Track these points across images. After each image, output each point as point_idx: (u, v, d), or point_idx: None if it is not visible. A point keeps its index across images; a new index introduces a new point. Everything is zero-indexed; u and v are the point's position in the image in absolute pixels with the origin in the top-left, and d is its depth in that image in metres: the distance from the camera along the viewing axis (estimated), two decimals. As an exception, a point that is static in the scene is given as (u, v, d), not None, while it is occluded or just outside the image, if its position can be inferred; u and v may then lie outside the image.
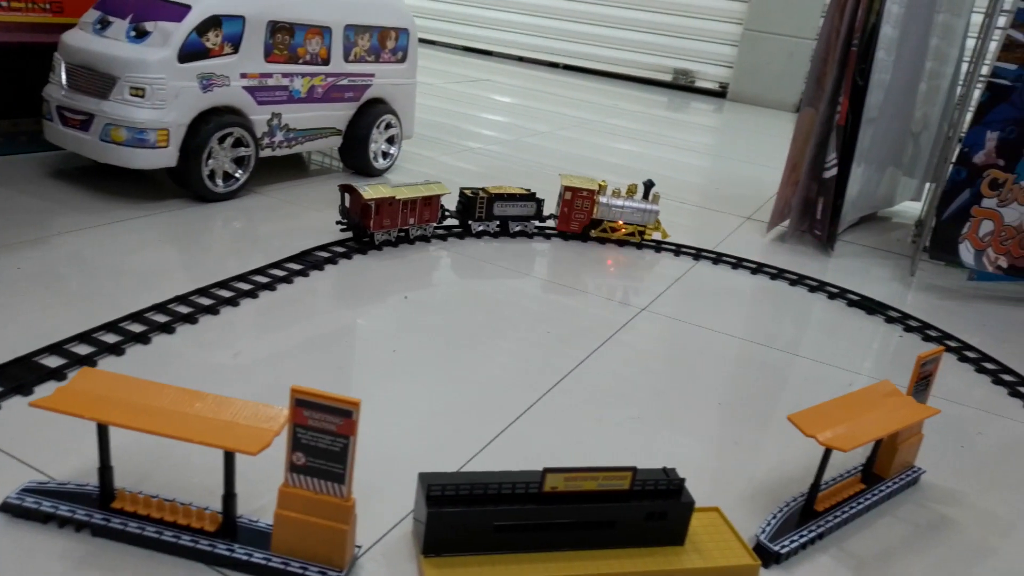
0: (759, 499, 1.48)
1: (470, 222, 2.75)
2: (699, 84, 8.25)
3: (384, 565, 1.20)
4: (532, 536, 1.22)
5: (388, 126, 3.29)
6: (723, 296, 2.58)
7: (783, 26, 7.52)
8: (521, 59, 8.98)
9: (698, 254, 2.90)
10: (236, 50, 2.63)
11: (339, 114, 3.08)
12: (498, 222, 2.79)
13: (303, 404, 1.07)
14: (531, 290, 2.38)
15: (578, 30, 8.65)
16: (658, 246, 2.90)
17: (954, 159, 2.80)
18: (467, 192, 2.74)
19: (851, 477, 1.53)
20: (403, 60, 3.29)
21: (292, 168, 3.30)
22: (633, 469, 1.24)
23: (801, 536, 1.35)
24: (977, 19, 3.22)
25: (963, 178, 2.78)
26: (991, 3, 2.82)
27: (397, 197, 2.50)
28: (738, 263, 2.85)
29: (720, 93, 8.15)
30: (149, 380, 1.18)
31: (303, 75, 2.88)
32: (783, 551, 1.31)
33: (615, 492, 1.25)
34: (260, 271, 2.16)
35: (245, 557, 1.13)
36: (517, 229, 2.81)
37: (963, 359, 2.29)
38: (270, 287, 2.09)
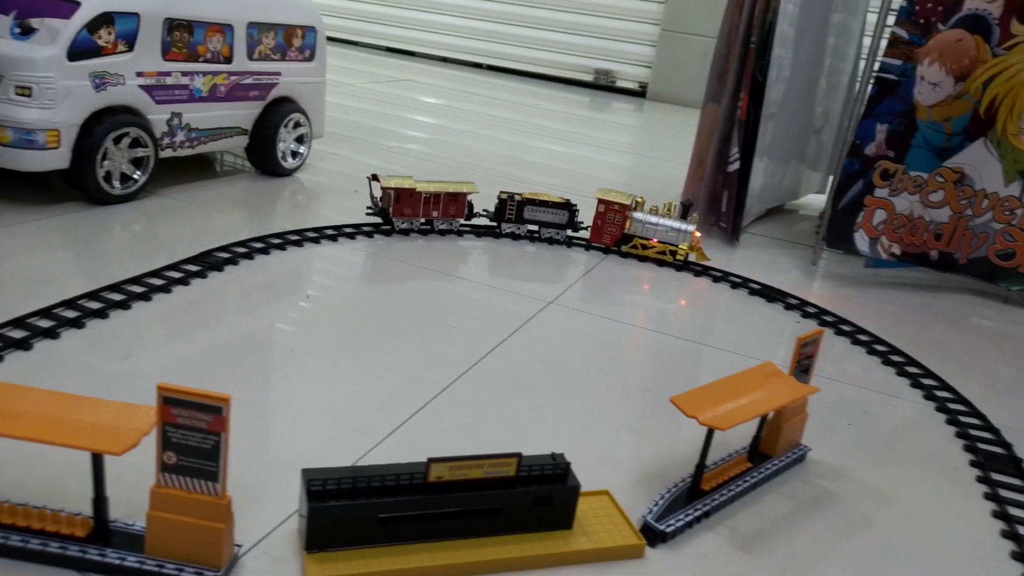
0: (650, 481, 1.51)
1: (501, 223, 2.86)
2: (620, 84, 8.38)
3: (267, 563, 1.18)
4: (418, 527, 1.22)
5: (297, 125, 3.24)
6: (630, 288, 2.62)
7: (698, 26, 7.69)
8: (444, 60, 8.97)
9: (607, 249, 2.95)
10: (131, 48, 2.55)
11: (244, 113, 3.02)
12: (528, 226, 2.87)
13: (171, 402, 1.05)
14: (439, 286, 2.38)
15: (501, 31, 8.69)
16: (569, 241, 2.94)
17: (846, 151, 2.92)
18: (503, 194, 2.84)
19: (738, 456, 1.58)
20: (311, 58, 3.25)
21: (198, 169, 3.22)
22: (518, 455, 1.26)
23: (687, 515, 1.39)
24: (873, 18, 3.37)
25: (856, 169, 2.90)
26: (883, 3, 2.94)
27: (417, 189, 2.71)
28: (644, 257, 2.91)
29: (640, 93, 8.30)
30: (10, 383, 1.14)
31: (204, 74, 2.81)
32: (668, 530, 1.34)
33: (501, 479, 1.26)
34: (155, 273, 2.10)
35: (118, 561, 1.10)
36: (547, 236, 2.87)
37: (856, 342, 2.39)
38: (165, 289, 2.04)
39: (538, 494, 1.27)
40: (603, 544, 1.29)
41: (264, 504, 1.30)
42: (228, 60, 2.89)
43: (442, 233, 2.84)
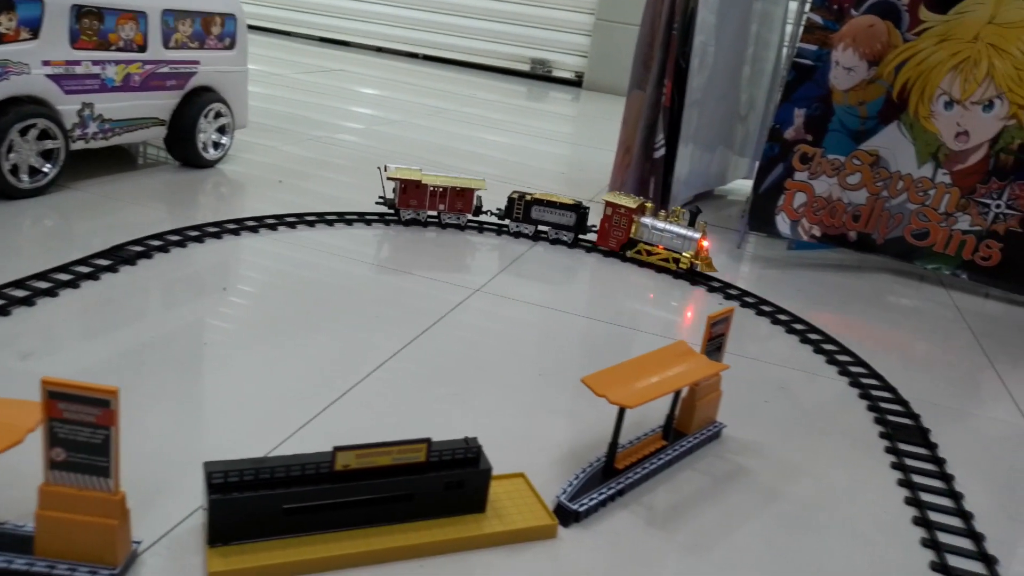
0: (567, 463, 1.52)
1: (508, 221, 2.87)
2: (556, 74, 8.40)
3: (168, 559, 1.15)
4: (326, 516, 1.21)
5: (218, 115, 3.16)
6: (557, 274, 2.64)
7: (633, 15, 7.70)
8: (380, 50, 8.87)
9: (537, 236, 2.95)
10: (35, 35, 2.45)
11: (161, 103, 2.94)
12: (539, 227, 2.86)
13: (57, 396, 1.01)
14: (364, 274, 2.35)
15: (437, 20, 8.63)
16: (494, 229, 2.94)
17: (767, 135, 2.98)
18: (513, 194, 2.83)
19: (653, 435, 1.60)
20: (231, 47, 3.18)
21: (117, 162, 3.12)
22: (427, 440, 1.25)
23: (600, 494, 1.40)
24: (795, 6, 3.44)
25: (776, 153, 2.96)
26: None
27: (424, 181, 2.75)
28: (574, 242, 2.93)
29: (576, 82, 8.33)
30: None
31: (117, 63, 2.72)
32: (581, 509, 1.35)
33: (411, 465, 1.25)
34: (63, 268, 2.03)
35: (4, 564, 1.06)
36: (554, 237, 2.84)
37: (776, 322, 2.45)
38: (72, 285, 1.97)
39: (449, 478, 1.27)
40: (515, 526, 1.29)
41: (169, 499, 1.27)
42: (142, 48, 2.80)
43: (443, 226, 2.88)
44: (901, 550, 1.43)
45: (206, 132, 3.13)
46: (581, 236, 2.88)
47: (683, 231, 2.70)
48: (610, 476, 1.45)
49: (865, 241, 3.07)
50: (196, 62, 3.02)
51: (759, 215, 3.03)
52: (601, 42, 8.06)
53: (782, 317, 2.47)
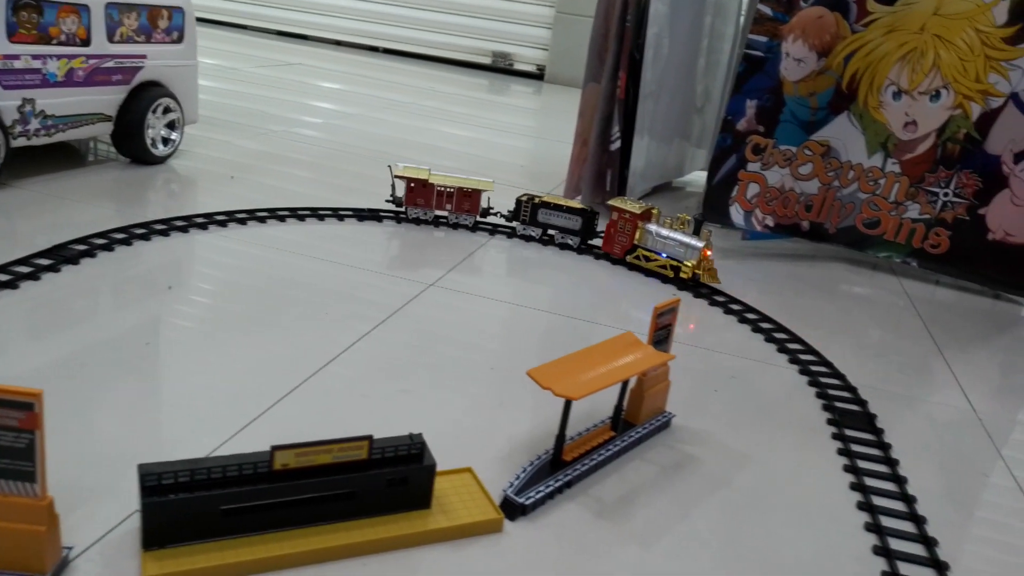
0: (516, 457, 1.52)
1: (515, 224, 2.87)
2: (518, 67, 8.39)
3: (101, 565, 1.12)
4: (266, 517, 1.19)
5: (167, 110, 3.10)
6: (513, 268, 2.63)
7: (592, 8, 7.75)
8: (339, 43, 8.78)
9: (494, 229, 2.95)
10: (-30, 29, 2.38)
11: (107, 99, 2.87)
12: (543, 229, 2.84)
13: (-23, 400, 0.98)
14: (315, 272, 2.32)
15: (397, 13, 8.56)
16: (505, 231, 2.92)
17: (719, 127, 3.00)
18: (522, 196, 2.83)
19: (601, 426, 1.60)
20: (179, 40, 3.12)
21: (63, 158, 3.05)
22: (369, 437, 1.24)
23: (547, 487, 1.40)
24: (748, -2, 3.47)
25: (729, 144, 2.99)
26: (754, -18, 3.03)
27: (430, 180, 2.78)
28: (531, 237, 2.92)
29: (538, 75, 8.33)
30: None
31: (59, 57, 2.65)
32: (528, 503, 1.35)
33: (353, 463, 1.23)
34: (2, 268, 1.98)
35: (-73, 574, 1.03)
36: (560, 241, 2.81)
37: (728, 312, 2.47)
38: (12, 285, 1.92)
39: (392, 475, 1.26)
40: (460, 521, 1.29)
41: (105, 503, 1.24)
42: (86, 43, 2.73)
43: (453, 227, 2.89)
44: (845, 534, 1.45)
45: (155, 128, 3.07)
46: (588, 241, 2.85)
47: (686, 239, 2.61)
48: (558, 468, 1.45)
49: (818, 231, 3.11)
50: (143, 56, 2.96)
51: (713, 206, 3.05)
52: (562, 35, 8.07)
53: (735, 307, 2.49)
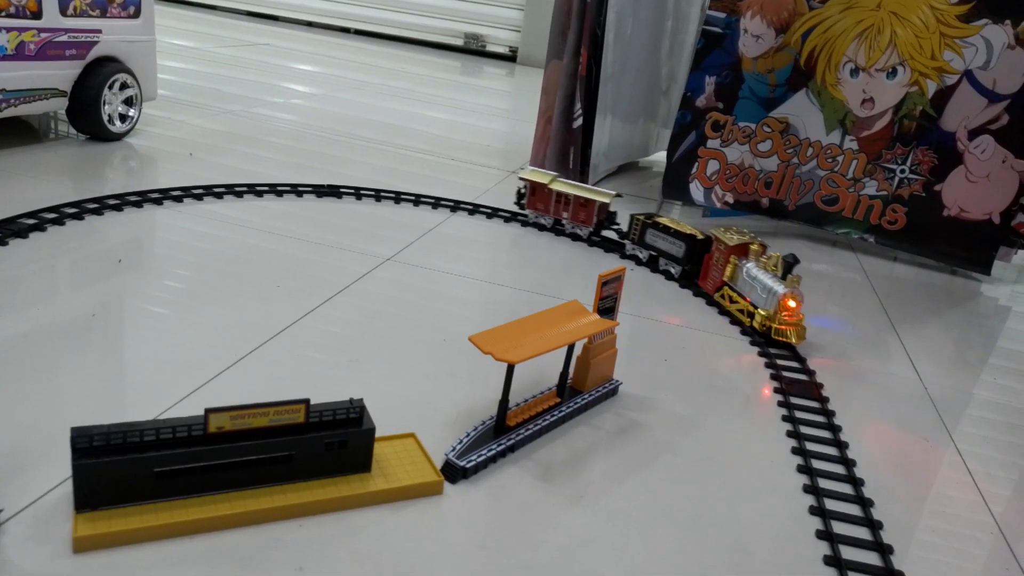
0: (461, 423, 1.53)
1: (625, 242, 2.67)
2: (490, 48, 8.35)
3: (33, 527, 1.12)
4: (202, 479, 1.19)
5: (124, 86, 3.06)
6: (473, 244, 2.63)
7: (564, -10, 7.74)
8: (310, 24, 8.69)
9: (456, 206, 2.95)
10: (-85, 0, 2.34)
11: (60, 73, 2.83)
12: (648, 252, 2.57)
13: (-103, 360, 0.97)
14: (267, 247, 2.31)
15: (368, -6, 8.49)
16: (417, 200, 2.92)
17: (679, 104, 3.01)
18: (639, 215, 2.60)
19: (547, 393, 1.62)
20: (136, 15, 3.07)
21: (17, 135, 3.00)
22: (306, 401, 1.24)
23: (489, 450, 1.41)
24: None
25: (688, 121, 3.00)
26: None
27: (550, 186, 2.69)
28: (493, 213, 2.93)
29: (511, 57, 8.30)
30: None
31: (8, 30, 2.60)
32: (468, 466, 1.36)
33: (290, 426, 1.24)
34: (-54, 242, 1.95)
35: None
36: (664, 268, 2.52)
37: (684, 286, 2.49)
38: (-45, 258, 1.89)
39: (330, 438, 1.26)
40: (400, 483, 1.30)
41: (40, 469, 1.23)
42: (37, 15, 2.68)
43: (569, 236, 2.76)
44: (783, 496, 1.48)
45: (111, 104, 3.03)
46: (693, 271, 2.47)
47: (769, 281, 2.15)
48: (501, 433, 1.46)
49: (777, 207, 3.14)
50: (98, 31, 2.91)
51: (673, 183, 3.07)
52: (534, 17, 8.04)
53: (582, 232, 2.52)
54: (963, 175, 3.00)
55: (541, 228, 2.80)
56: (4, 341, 1.59)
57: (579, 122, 3.20)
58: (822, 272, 2.92)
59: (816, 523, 1.41)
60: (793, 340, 2.07)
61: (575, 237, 2.76)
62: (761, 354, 2.08)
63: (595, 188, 2.73)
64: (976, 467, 1.70)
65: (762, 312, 2.11)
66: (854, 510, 1.47)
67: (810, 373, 2.00)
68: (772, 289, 2.11)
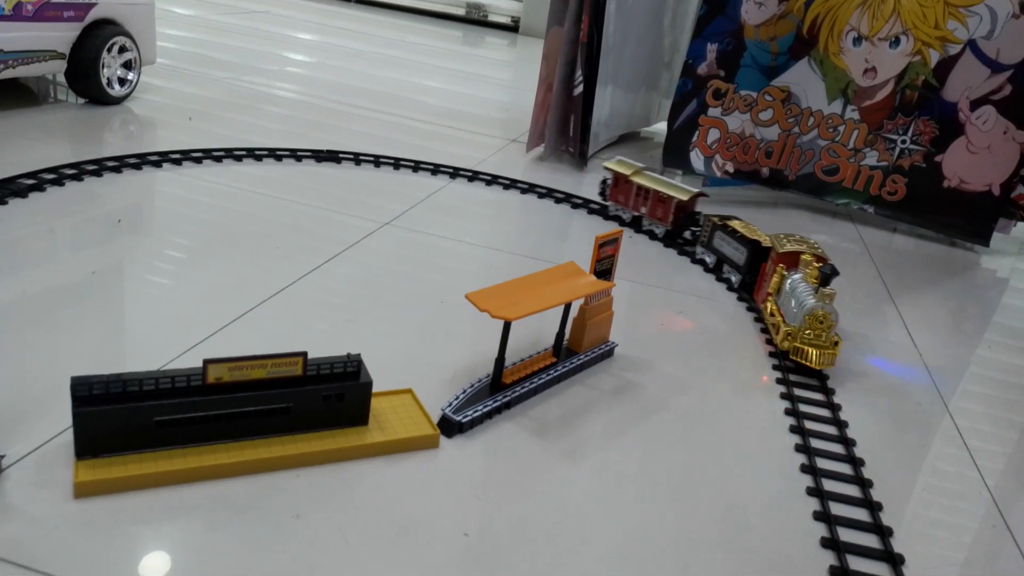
0: (459, 381, 1.54)
1: (697, 245, 2.45)
2: (492, 18, 8.28)
3: (35, 473, 1.14)
4: (201, 429, 1.21)
5: (123, 49, 3.04)
6: (472, 210, 2.64)
7: (567, -40, 7.66)
8: (311, -7, 8.61)
9: (456, 172, 2.94)
10: (-88, -42, 2.32)
11: (58, 35, 2.81)
12: (716, 257, 2.35)
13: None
14: (262, 207, 2.32)
15: (369, -37, 8.41)
16: (416, 166, 2.91)
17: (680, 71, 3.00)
18: (713, 217, 2.39)
19: (544, 352, 1.63)
20: (134, -23, 3.05)
21: (16, 98, 2.99)
22: (303, 354, 1.25)
23: (485, 407, 1.43)
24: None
25: (689, 89, 2.99)
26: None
27: (631, 177, 2.53)
28: (493, 180, 2.92)
29: (513, 27, 8.24)
30: None
31: (6, -10, 2.59)
32: (465, 420, 1.38)
33: (288, 378, 1.25)
34: (-54, 200, 1.96)
35: None
36: (725, 275, 2.30)
37: (682, 253, 2.50)
38: (-45, 216, 1.90)
39: (328, 391, 1.28)
40: (396, 436, 1.31)
41: (42, 418, 1.25)
42: (34, -24, 2.67)
43: (646, 233, 2.60)
44: (775, 454, 1.50)
45: (110, 67, 3.01)
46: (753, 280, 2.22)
47: (802, 294, 1.86)
48: (497, 390, 1.48)
49: (777, 177, 3.14)
50: (96, -7, 2.89)
51: (674, 151, 3.06)
52: (537, -13, 7.97)
53: (689, 249, 2.52)
54: (964, 146, 2.99)
55: (621, 222, 2.65)
56: (5, 298, 1.61)
57: (579, 89, 3.18)
58: (821, 243, 2.90)
59: (807, 480, 1.43)
60: (813, 363, 1.78)
61: (651, 235, 2.58)
62: (757, 320, 2.09)
63: (678, 183, 2.52)
64: (963, 423, 1.72)
65: (785, 327, 1.85)
66: (845, 469, 1.48)
67: (805, 338, 2.01)
68: (802, 302, 1.84)
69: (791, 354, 1.82)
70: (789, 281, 1.96)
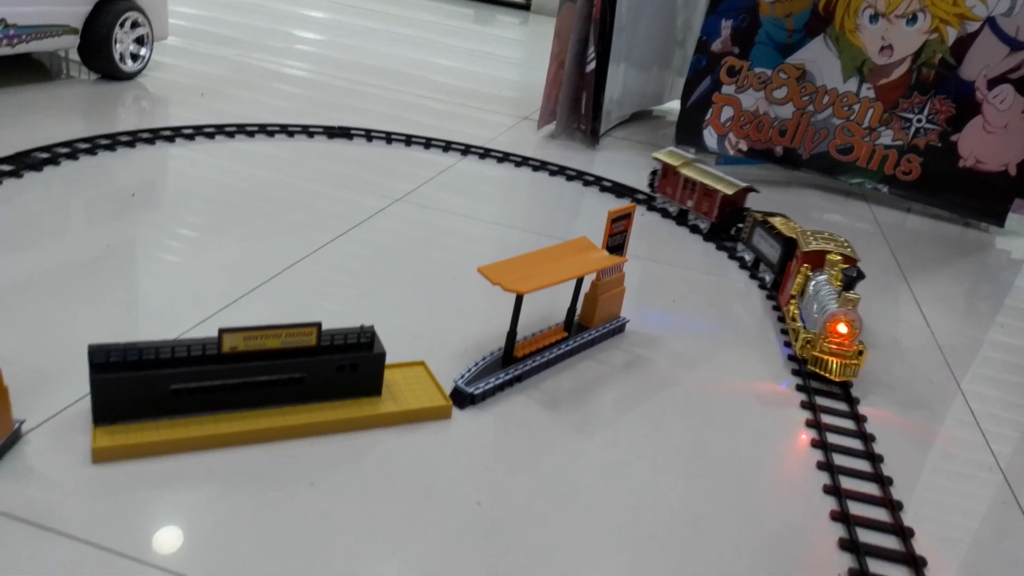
0: (470, 355, 1.55)
1: (739, 242, 2.36)
2: (504, -3, 8.23)
3: (54, 438, 1.15)
4: (216, 398, 1.22)
5: (135, 25, 3.04)
6: (483, 186, 2.63)
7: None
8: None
9: (467, 149, 2.94)
10: (-74, -69, 2.32)
11: (71, 10, 2.81)
12: (754, 255, 2.24)
13: (-80, 270, 0.99)
14: (275, 182, 2.32)
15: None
16: (427, 143, 2.91)
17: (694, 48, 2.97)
18: (756, 213, 2.27)
19: (555, 327, 1.63)
20: (146, -48, 3.04)
21: (30, 73, 3.00)
22: (317, 324, 1.26)
23: (497, 379, 1.43)
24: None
25: (703, 66, 2.97)
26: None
27: (679, 169, 2.44)
28: (504, 157, 2.92)
29: (525, 5, 8.17)
30: None
31: (19, -36, 2.59)
32: (477, 392, 1.39)
33: (302, 348, 1.26)
34: (-38, 173, 1.97)
35: None
36: (760, 275, 2.19)
37: (694, 231, 2.49)
38: (-28, 188, 1.91)
39: (341, 362, 1.29)
40: (409, 407, 1.32)
41: (60, 387, 1.26)
42: (47, -50, 2.66)
43: (692, 228, 2.49)
44: (785, 428, 1.50)
45: (123, 43, 3.01)
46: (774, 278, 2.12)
47: (825, 298, 1.73)
48: (509, 363, 1.48)
49: (791, 156, 3.12)
50: (108, -33, 2.89)
51: (687, 129, 3.05)
52: (549, -35, 7.90)
53: (701, 224, 2.51)
54: (980, 125, 2.96)
55: (665, 215, 2.55)
56: (23, 269, 1.62)
57: (592, 66, 3.16)
58: (834, 222, 2.91)
59: (818, 455, 1.43)
60: (834, 374, 1.65)
61: (694, 229, 2.47)
62: (769, 297, 2.09)
63: (727, 177, 2.40)
64: (975, 406, 1.72)
65: (805, 334, 1.72)
66: (857, 444, 1.49)
67: (817, 316, 2.00)
68: (824, 307, 1.70)
69: (810, 363, 1.68)
70: (813, 283, 1.83)
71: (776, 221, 2.16)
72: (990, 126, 2.96)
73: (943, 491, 1.41)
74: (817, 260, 1.88)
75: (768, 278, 2.15)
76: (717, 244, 2.18)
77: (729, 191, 2.34)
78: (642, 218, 2.45)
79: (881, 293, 2.28)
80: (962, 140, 2.98)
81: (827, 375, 1.66)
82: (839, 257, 1.82)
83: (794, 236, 2.02)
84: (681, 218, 2.52)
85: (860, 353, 1.67)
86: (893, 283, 2.38)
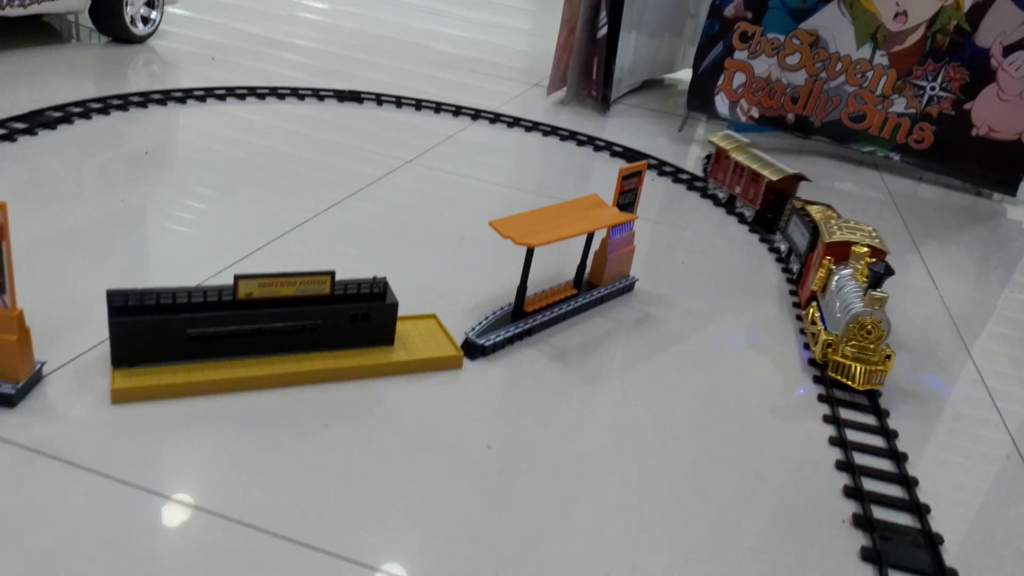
0: (481, 309, 1.57)
1: (777, 231, 2.21)
2: (515, -33, 8.13)
3: (74, 380, 1.18)
4: (232, 344, 1.24)
5: (146, -13, 3.04)
6: (494, 150, 2.64)
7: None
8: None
9: (476, 115, 2.94)
10: None
11: (83, -29, 2.82)
12: (788, 245, 2.09)
13: (-57, 210, 1.01)
14: (286, 143, 2.33)
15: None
16: (438, 108, 2.91)
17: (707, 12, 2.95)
18: (795, 199, 2.11)
19: (565, 284, 1.64)
20: (157, -86, 3.03)
21: (42, 36, 3.01)
22: (331, 273, 1.28)
23: (507, 332, 1.45)
24: None
25: (716, 31, 2.95)
26: None
27: (731, 153, 2.34)
28: (515, 122, 2.91)
29: (536, -24, 8.08)
30: None
31: (31, -76, 2.59)
32: (487, 344, 1.41)
33: (316, 297, 1.28)
34: (-23, 130, 1.99)
35: (-95, 379, 1.08)
36: (788, 266, 2.05)
37: (704, 196, 2.49)
38: (-13, 144, 1.93)
39: (354, 311, 1.30)
40: (421, 356, 1.34)
41: (80, 332, 1.29)
42: (58, -90, 2.66)
43: (738, 215, 2.36)
44: (790, 382, 1.52)
45: (134, 5, 3.01)
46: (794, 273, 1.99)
47: (849, 296, 1.55)
48: (519, 317, 1.50)
49: (803, 124, 3.10)
50: (119, -72, 2.88)
51: (698, 95, 3.03)
52: (561, -66, 7.80)
53: (747, 214, 2.50)
54: (994, 93, 2.93)
55: (716, 202, 2.43)
56: (41, 224, 1.64)
57: (603, 31, 3.14)
58: (845, 191, 2.91)
59: (824, 408, 1.45)
60: (858, 383, 1.49)
61: (741, 219, 2.33)
62: (778, 260, 2.10)
63: (778, 164, 2.25)
64: (983, 365, 1.73)
65: (825, 336, 1.54)
66: (861, 399, 1.50)
67: (826, 279, 2.01)
68: (847, 306, 1.53)
69: (831, 369, 1.51)
70: (836, 278, 1.64)
71: (814, 209, 1.98)
72: (1004, 94, 2.93)
73: (951, 451, 1.43)
74: (841, 252, 1.70)
75: (796, 268, 2.00)
76: (760, 235, 2.16)
77: (774, 177, 2.17)
78: (686, 205, 2.39)
79: (892, 261, 2.27)
80: (975, 108, 2.96)
81: (851, 383, 1.49)
82: (866, 249, 1.65)
83: (819, 216, 1.88)
84: (730, 205, 2.41)
85: (888, 358, 1.50)
86: (904, 251, 2.38)
